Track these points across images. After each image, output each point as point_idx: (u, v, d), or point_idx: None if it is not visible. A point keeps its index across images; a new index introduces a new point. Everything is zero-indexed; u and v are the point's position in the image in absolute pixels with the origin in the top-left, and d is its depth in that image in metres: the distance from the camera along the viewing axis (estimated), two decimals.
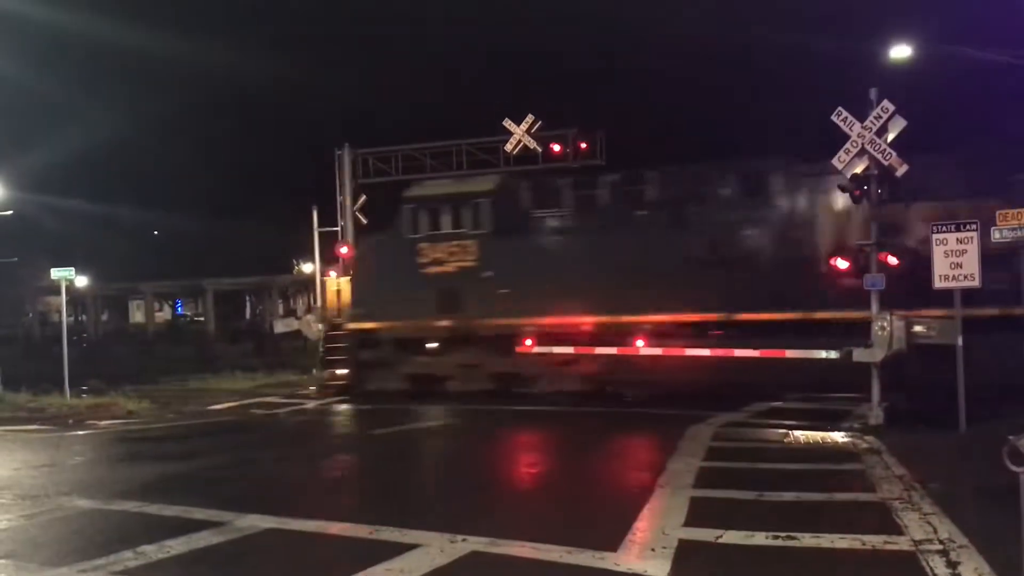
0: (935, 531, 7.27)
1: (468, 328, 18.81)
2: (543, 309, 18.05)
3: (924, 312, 13.99)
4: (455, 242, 19.05)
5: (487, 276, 18.50)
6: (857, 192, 13.75)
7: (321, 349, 21.53)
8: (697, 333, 17.30)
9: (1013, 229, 12.54)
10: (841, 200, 15.72)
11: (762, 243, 17.03)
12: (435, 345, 19.51)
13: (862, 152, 13.40)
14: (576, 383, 18.28)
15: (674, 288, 17.06)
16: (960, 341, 12.56)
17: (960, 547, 6.80)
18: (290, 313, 55.91)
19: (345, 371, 20.57)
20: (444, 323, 19.03)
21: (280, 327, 40.80)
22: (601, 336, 17.96)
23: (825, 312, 15.91)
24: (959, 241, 12.52)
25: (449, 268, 19.04)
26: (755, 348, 16.34)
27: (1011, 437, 9.31)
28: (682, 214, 17.54)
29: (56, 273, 19.98)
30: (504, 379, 18.91)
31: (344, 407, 19.20)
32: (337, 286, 21.20)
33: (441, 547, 7.08)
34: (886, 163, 13.24)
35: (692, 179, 18.00)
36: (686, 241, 17.28)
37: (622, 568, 6.52)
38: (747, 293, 16.67)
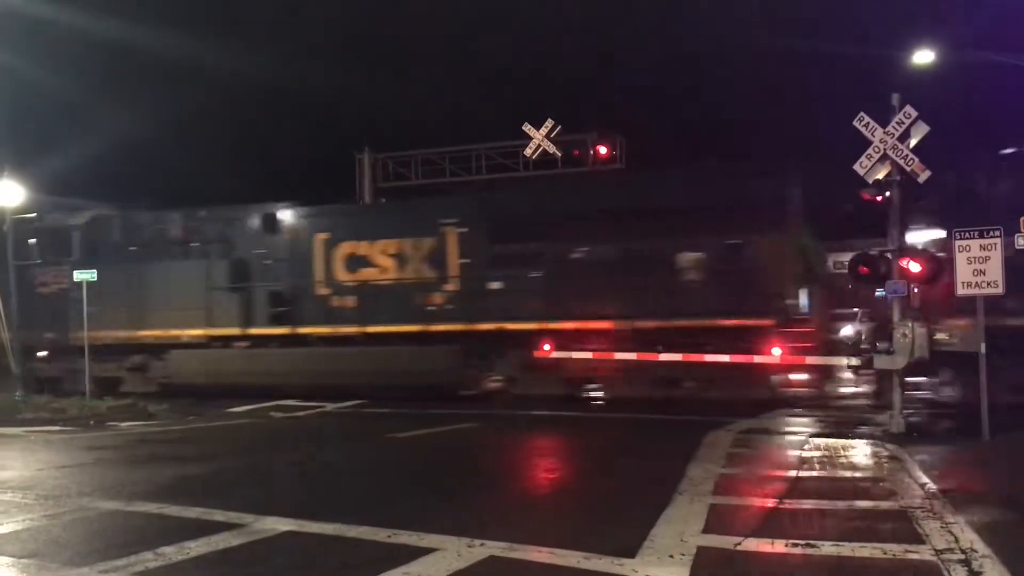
0: (957, 540, 7.19)
1: (67, 340, 21.95)
2: (118, 324, 21.63)
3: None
4: (55, 267, 22.48)
5: (77, 297, 21.09)
6: (879, 198, 13.66)
7: None
8: (225, 344, 21.69)
9: None
10: (325, 235, 20.89)
11: (278, 271, 21.28)
12: (45, 353, 22.84)
13: (884, 158, 13.32)
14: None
15: (207, 307, 21.32)
16: (983, 349, 12.44)
17: (983, 556, 6.73)
18: None
19: None
20: (50, 335, 22.40)
21: None
22: (160, 346, 21.99)
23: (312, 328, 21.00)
24: (982, 248, 12.39)
25: (54, 289, 22.51)
26: (774, 355, 16.55)
27: None
28: (221, 247, 21.74)
29: (79, 275, 20.12)
30: (104, 383, 21.69)
31: (364, 411, 19.31)
32: None
33: (458, 551, 7.08)
34: (908, 169, 13.16)
35: (227, 217, 22.15)
36: (222, 269, 21.42)
37: (640, 574, 6.50)
38: (262, 312, 21.11)
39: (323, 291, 21.03)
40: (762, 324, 16.93)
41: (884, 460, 11.42)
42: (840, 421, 14.95)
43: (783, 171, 17.91)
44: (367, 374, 20.37)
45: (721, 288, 17.44)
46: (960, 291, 12.60)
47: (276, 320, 21.11)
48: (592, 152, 23.82)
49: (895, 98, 13.42)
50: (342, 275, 20.88)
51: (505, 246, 19.30)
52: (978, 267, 12.40)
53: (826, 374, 17.28)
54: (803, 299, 17.58)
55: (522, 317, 18.90)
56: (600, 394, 19.07)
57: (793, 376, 17.14)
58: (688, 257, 17.85)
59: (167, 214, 22.84)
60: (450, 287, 20.01)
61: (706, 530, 7.74)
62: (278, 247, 21.39)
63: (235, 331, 21.46)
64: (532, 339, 18.82)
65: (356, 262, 20.75)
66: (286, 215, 21.63)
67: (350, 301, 20.76)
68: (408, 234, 20.35)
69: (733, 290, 17.25)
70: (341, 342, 20.80)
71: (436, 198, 21.10)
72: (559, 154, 23.93)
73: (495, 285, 19.49)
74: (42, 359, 22.76)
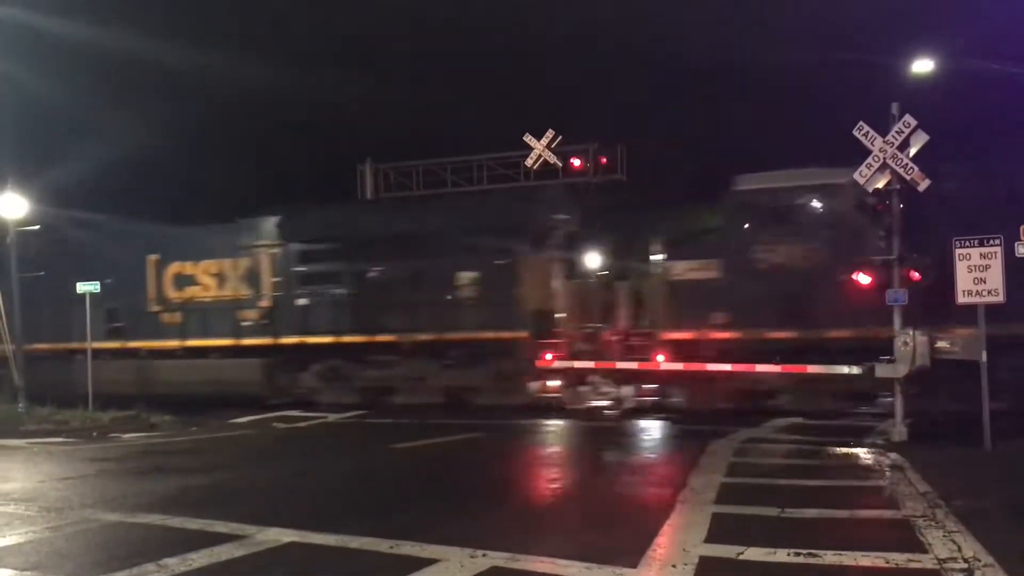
0: (960, 549, 7.19)
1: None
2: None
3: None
4: None
5: None
6: (879, 207, 13.68)
7: None
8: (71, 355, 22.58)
9: None
10: (156, 256, 22.71)
11: (116, 288, 21.93)
12: None
13: (883, 167, 13.33)
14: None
15: (54, 321, 22.40)
16: (984, 357, 12.43)
17: (985, 566, 6.73)
18: None
19: None
20: None
21: None
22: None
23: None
24: (982, 256, 12.38)
25: None
26: (778, 363, 16.49)
27: None
28: (69, 263, 22.68)
29: (82, 287, 20.14)
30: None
31: (366, 421, 19.32)
32: None
33: (461, 562, 7.08)
34: (908, 178, 13.17)
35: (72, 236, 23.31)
36: (67, 285, 21.46)
37: None
38: (100, 327, 21.81)
39: (154, 308, 22.91)
40: (520, 337, 19.00)
41: (887, 469, 11.42)
42: (843, 430, 14.93)
43: (549, 198, 20.70)
44: (189, 384, 21.73)
45: (490, 304, 19.48)
46: (960, 299, 12.59)
47: (112, 334, 22.98)
48: (592, 162, 23.87)
49: (895, 107, 13.44)
50: (171, 293, 22.79)
51: (311, 266, 21.33)
52: (978, 275, 12.40)
53: (575, 380, 18.44)
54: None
55: (320, 332, 20.94)
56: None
57: (548, 383, 18.68)
58: (464, 276, 19.95)
59: (26, 231, 23.24)
60: (264, 304, 21.78)
61: (708, 539, 7.75)
62: (117, 266, 22.73)
63: (75, 344, 22.50)
64: (329, 351, 20.90)
65: (183, 281, 22.66)
66: (124, 235, 23.08)
67: (177, 317, 22.69)
68: (228, 255, 22.19)
69: (499, 306, 19.27)
70: (168, 355, 22.52)
71: (253, 220, 22.39)
72: (559, 164, 24.01)
73: (301, 302, 21.39)
74: None
